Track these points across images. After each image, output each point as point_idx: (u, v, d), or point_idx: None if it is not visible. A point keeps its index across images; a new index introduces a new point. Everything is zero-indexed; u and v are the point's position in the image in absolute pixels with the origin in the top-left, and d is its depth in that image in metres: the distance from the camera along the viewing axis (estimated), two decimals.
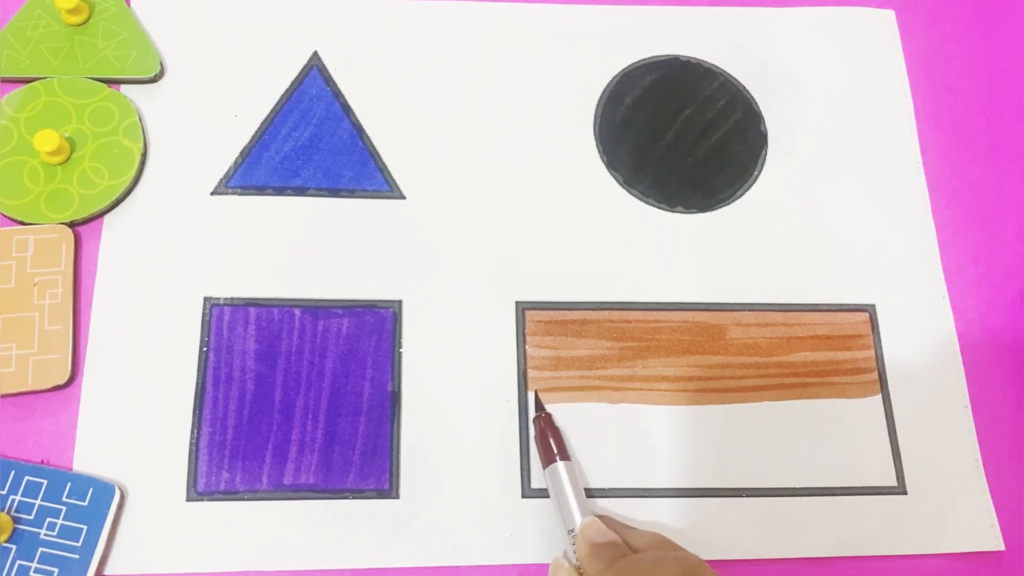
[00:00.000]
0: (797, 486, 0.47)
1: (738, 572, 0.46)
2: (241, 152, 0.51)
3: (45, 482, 0.44)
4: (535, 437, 0.46)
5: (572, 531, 0.42)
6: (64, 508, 0.43)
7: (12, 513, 0.43)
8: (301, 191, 0.51)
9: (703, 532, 0.46)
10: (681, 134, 0.54)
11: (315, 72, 0.54)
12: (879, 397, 0.49)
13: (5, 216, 0.49)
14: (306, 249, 0.50)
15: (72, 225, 0.49)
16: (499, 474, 0.46)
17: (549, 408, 0.47)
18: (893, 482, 0.47)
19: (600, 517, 0.43)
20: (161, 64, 0.53)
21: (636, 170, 0.53)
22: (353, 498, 0.45)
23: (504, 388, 0.48)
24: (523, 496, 0.46)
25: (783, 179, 0.54)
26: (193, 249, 0.49)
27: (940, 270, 0.52)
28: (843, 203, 0.53)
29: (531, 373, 0.48)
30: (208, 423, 0.46)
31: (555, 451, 0.45)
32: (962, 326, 0.51)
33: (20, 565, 0.42)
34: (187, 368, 0.47)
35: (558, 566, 0.42)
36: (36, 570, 0.42)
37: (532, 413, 0.47)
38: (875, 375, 0.50)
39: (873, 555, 0.46)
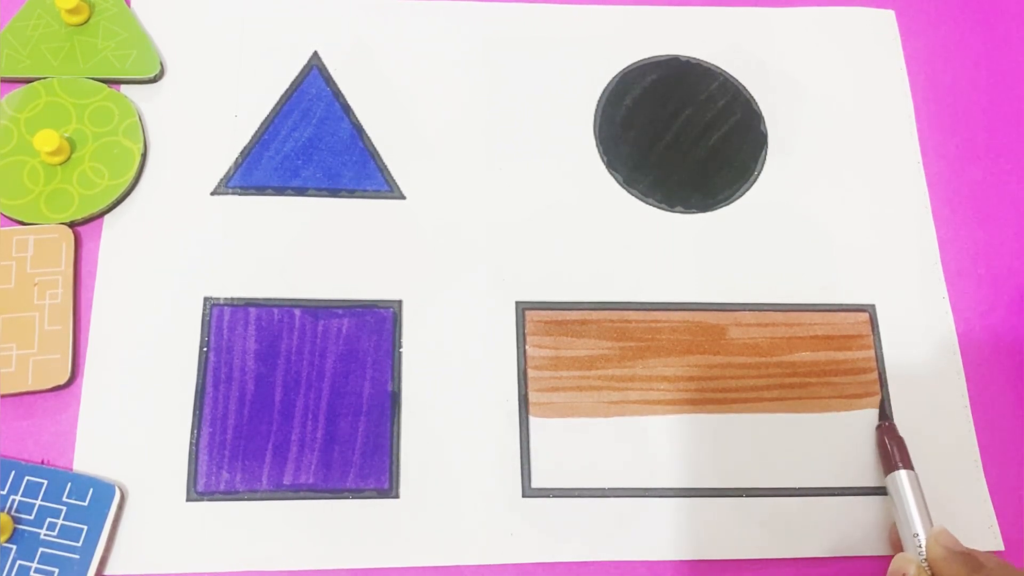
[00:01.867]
0: (797, 486, 0.47)
1: (738, 572, 0.46)
2: (241, 152, 0.51)
3: (45, 482, 0.44)
4: (877, 444, 0.47)
5: (917, 535, 0.43)
6: (64, 508, 0.43)
7: (12, 513, 0.43)
8: (301, 191, 0.51)
9: (703, 532, 0.46)
10: (681, 134, 0.54)
11: (315, 72, 0.54)
12: (879, 398, 0.49)
13: (5, 216, 0.49)
14: (306, 249, 0.50)
15: (72, 225, 0.49)
16: (499, 474, 0.46)
17: (548, 410, 0.47)
18: None
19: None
20: (161, 64, 0.53)
21: (636, 170, 0.53)
22: (353, 498, 0.45)
23: (504, 388, 0.48)
24: (523, 496, 0.46)
25: (783, 179, 0.54)
26: (193, 249, 0.49)
27: (940, 270, 0.52)
28: (843, 203, 0.53)
29: (531, 373, 0.48)
30: (208, 423, 0.46)
31: (897, 459, 0.46)
32: (962, 326, 0.51)
33: (20, 565, 0.42)
34: (187, 368, 0.47)
35: (906, 561, 0.42)
36: (36, 570, 0.42)
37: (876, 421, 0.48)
38: (875, 375, 0.50)
39: (873, 555, 0.46)
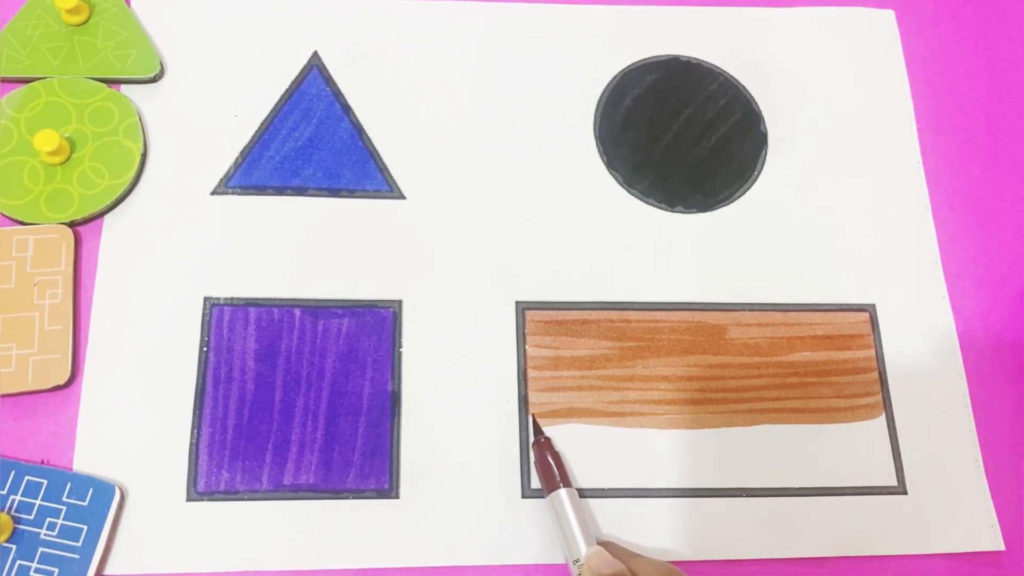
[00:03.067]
0: (797, 486, 0.47)
1: (738, 572, 0.46)
2: (241, 152, 0.51)
3: (45, 482, 0.44)
4: (535, 463, 0.45)
5: (578, 561, 0.42)
6: (64, 508, 0.43)
7: (12, 513, 0.43)
8: (301, 191, 0.51)
9: (703, 532, 0.46)
10: (681, 134, 0.54)
11: (315, 72, 0.54)
12: (879, 397, 0.49)
13: (5, 216, 0.49)
14: (306, 249, 0.50)
15: (72, 225, 0.49)
16: (499, 474, 0.46)
17: (548, 403, 0.47)
18: (893, 482, 0.47)
19: (605, 544, 0.42)
20: (161, 64, 0.53)
21: (636, 170, 0.53)
22: (353, 498, 0.45)
23: (504, 388, 0.48)
24: (523, 496, 0.46)
25: (783, 179, 0.54)
26: (193, 249, 0.49)
27: (940, 270, 0.52)
28: (843, 203, 0.53)
29: (531, 373, 0.48)
30: (208, 423, 0.46)
31: (557, 478, 0.44)
32: (962, 326, 0.51)
33: (20, 565, 0.42)
34: (187, 368, 0.47)
35: None
36: (36, 570, 0.42)
37: (531, 438, 0.46)
38: (875, 375, 0.50)
39: (873, 555, 0.46)
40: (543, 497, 0.45)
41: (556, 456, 0.45)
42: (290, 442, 0.46)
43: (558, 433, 0.47)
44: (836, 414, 0.49)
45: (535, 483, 0.46)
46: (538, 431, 0.46)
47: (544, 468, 0.45)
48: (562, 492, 0.44)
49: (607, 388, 0.48)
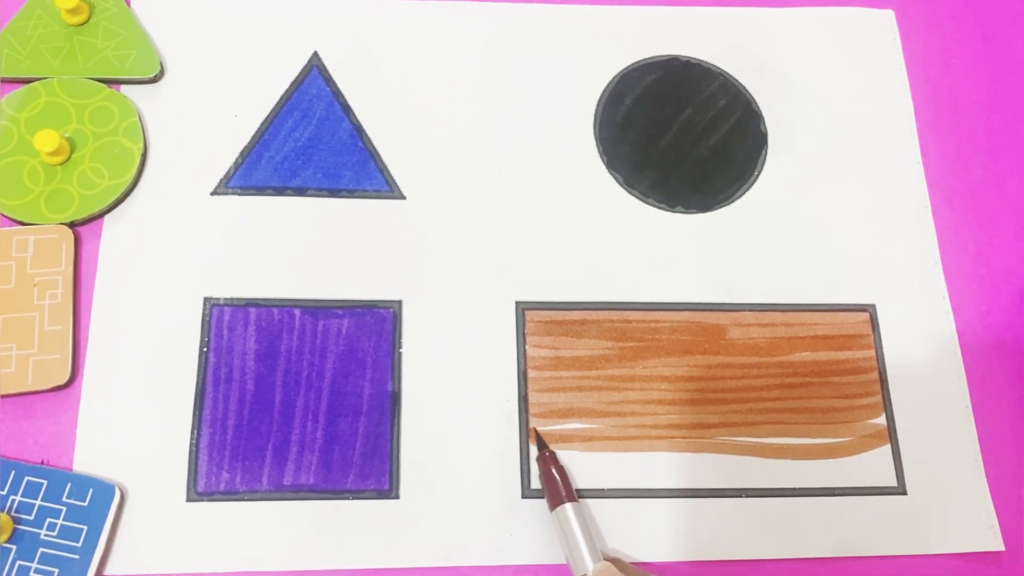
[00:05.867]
0: (797, 486, 0.47)
1: (738, 572, 0.46)
2: (241, 152, 0.51)
3: (45, 482, 0.44)
4: (540, 476, 0.45)
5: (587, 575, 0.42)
6: (64, 508, 0.43)
7: (12, 513, 0.43)
8: (301, 191, 0.51)
9: (703, 532, 0.46)
10: (681, 134, 0.54)
11: (315, 72, 0.54)
12: (879, 397, 0.49)
13: (5, 216, 0.49)
14: (306, 249, 0.50)
15: (72, 225, 0.49)
16: (499, 474, 0.46)
17: (548, 403, 0.47)
18: (893, 482, 0.47)
19: (612, 561, 0.42)
20: (161, 64, 0.53)
21: (636, 170, 0.53)
22: (353, 498, 0.45)
23: (504, 388, 0.48)
24: (523, 496, 0.46)
25: (783, 179, 0.54)
26: (193, 249, 0.49)
27: (940, 270, 0.52)
28: (843, 203, 0.53)
29: (531, 373, 0.48)
30: (208, 423, 0.46)
31: (562, 493, 0.44)
32: (962, 326, 0.51)
33: (20, 565, 0.42)
34: (187, 368, 0.47)
35: None
36: (36, 570, 0.42)
37: (535, 452, 0.46)
38: (875, 375, 0.50)
39: (873, 555, 0.46)
40: (544, 498, 0.45)
41: (561, 470, 0.45)
42: (290, 442, 0.46)
43: (558, 433, 0.47)
44: (836, 414, 0.49)
45: (535, 483, 0.46)
46: (542, 445, 0.46)
47: (549, 482, 0.44)
48: (567, 507, 0.43)
49: (607, 388, 0.48)
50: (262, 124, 0.52)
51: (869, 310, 0.51)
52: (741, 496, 0.47)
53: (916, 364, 0.50)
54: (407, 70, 0.54)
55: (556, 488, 0.44)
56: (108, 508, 0.43)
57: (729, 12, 0.57)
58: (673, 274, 0.51)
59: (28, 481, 0.44)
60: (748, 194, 0.53)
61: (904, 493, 0.47)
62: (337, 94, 0.53)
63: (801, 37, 0.57)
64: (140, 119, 0.51)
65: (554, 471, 0.45)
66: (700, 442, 0.48)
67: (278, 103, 0.53)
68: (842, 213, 0.53)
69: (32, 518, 0.43)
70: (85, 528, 0.43)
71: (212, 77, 0.53)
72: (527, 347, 0.49)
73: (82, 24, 0.53)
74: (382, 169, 0.52)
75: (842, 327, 0.51)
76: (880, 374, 0.50)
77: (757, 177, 0.54)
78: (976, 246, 0.53)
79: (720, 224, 0.52)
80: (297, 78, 0.53)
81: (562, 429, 0.47)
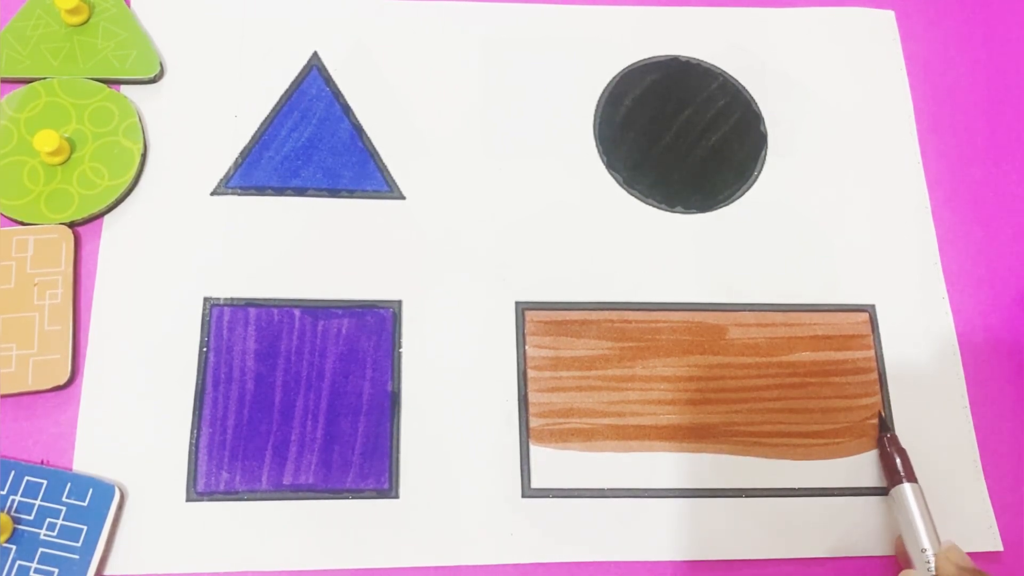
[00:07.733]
0: (796, 486, 0.47)
1: (738, 572, 0.46)
2: (241, 152, 0.51)
3: (45, 482, 0.44)
4: (879, 456, 0.47)
5: (925, 551, 0.43)
6: (64, 508, 0.43)
7: (12, 513, 0.43)
8: (301, 191, 0.51)
9: (703, 532, 0.46)
10: (681, 134, 0.54)
11: (315, 72, 0.54)
12: (879, 398, 0.49)
13: (5, 216, 0.49)
14: (306, 249, 0.50)
15: (72, 225, 0.49)
16: (499, 474, 0.46)
17: (548, 404, 0.47)
18: None
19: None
20: (161, 64, 0.53)
21: (636, 170, 0.53)
22: (353, 498, 0.45)
23: (504, 388, 0.48)
24: (523, 496, 0.46)
25: (783, 179, 0.54)
26: (193, 249, 0.49)
27: (940, 270, 0.52)
28: (843, 203, 0.53)
29: (531, 373, 0.48)
30: (208, 423, 0.46)
31: (901, 472, 0.45)
32: (962, 326, 0.51)
33: (20, 565, 0.42)
34: (187, 368, 0.47)
35: None
36: (36, 570, 0.42)
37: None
38: (875, 375, 0.50)
39: (872, 555, 0.46)
40: (544, 497, 0.45)
41: (902, 452, 0.46)
42: (290, 442, 0.46)
43: (558, 433, 0.47)
44: (836, 414, 0.49)
45: (535, 483, 0.46)
46: (885, 427, 0.48)
47: (888, 463, 0.46)
48: (906, 487, 0.45)
49: (607, 388, 0.48)
50: (262, 124, 0.52)
51: (869, 310, 0.51)
52: (741, 496, 0.47)
53: (916, 364, 0.50)
54: (407, 70, 0.54)
55: (895, 468, 0.46)
56: (108, 508, 0.43)
57: (729, 12, 0.57)
58: (673, 274, 0.51)
59: (28, 481, 0.44)
60: (748, 194, 0.53)
61: None
62: (337, 94, 0.53)
63: (801, 37, 0.57)
64: (140, 119, 0.51)
65: (894, 452, 0.46)
66: (700, 442, 0.48)
67: (278, 103, 0.53)
68: (842, 213, 0.53)
69: (32, 518, 0.43)
70: (85, 528, 0.43)
71: (212, 77, 0.53)
72: (527, 347, 0.49)
73: (82, 24, 0.53)
74: (382, 169, 0.52)
75: (842, 327, 0.51)
76: (880, 374, 0.50)
77: (757, 177, 0.54)
78: (976, 246, 0.53)
79: (720, 224, 0.52)
80: (297, 78, 0.53)
81: (562, 429, 0.47)
